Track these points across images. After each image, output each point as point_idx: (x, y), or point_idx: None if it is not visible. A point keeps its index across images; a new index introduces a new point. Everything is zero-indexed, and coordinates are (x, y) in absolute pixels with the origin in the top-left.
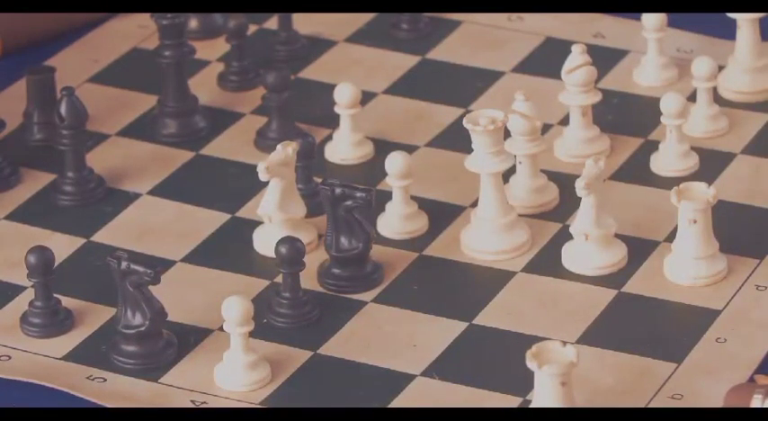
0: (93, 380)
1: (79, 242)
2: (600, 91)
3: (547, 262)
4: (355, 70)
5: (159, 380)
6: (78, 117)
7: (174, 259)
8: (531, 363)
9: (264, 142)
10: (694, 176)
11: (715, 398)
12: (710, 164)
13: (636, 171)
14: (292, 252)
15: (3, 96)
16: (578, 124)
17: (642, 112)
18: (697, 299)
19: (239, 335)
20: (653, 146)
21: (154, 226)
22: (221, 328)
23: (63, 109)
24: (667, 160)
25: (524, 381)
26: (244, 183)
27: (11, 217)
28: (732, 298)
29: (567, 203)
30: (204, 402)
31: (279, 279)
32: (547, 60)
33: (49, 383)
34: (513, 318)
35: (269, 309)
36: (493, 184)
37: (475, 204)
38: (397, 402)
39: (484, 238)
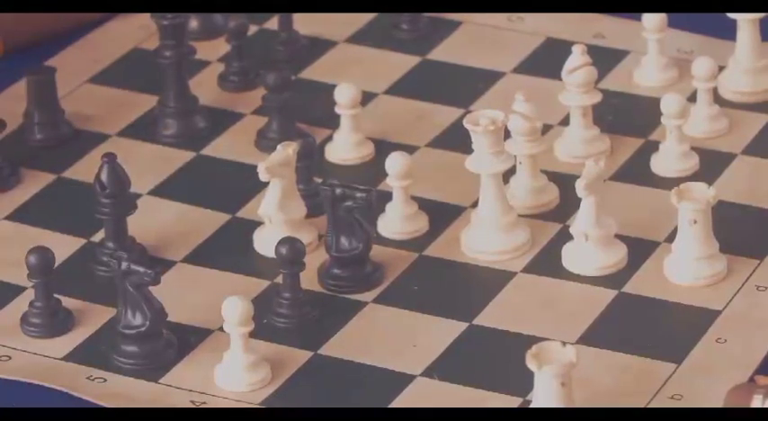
0: (93, 380)
1: (79, 242)
2: (600, 91)
3: (547, 262)
4: (356, 70)
5: (159, 381)
6: (121, 184)
7: (175, 259)
8: (530, 364)
9: (265, 142)
10: (694, 177)
11: (715, 399)
12: (711, 164)
13: (636, 171)
14: (292, 252)
15: (3, 96)
16: (578, 124)
17: (642, 113)
18: (697, 299)
19: (239, 336)
20: (653, 146)
21: (154, 226)
22: (221, 329)
23: (104, 176)
24: (668, 161)
25: (524, 382)
26: (244, 184)
27: (11, 217)
28: (732, 298)
29: (568, 204)
30: (204, 402)
31: (279, 279)
32: (547, 61)
33: (49, 383)
34: (513, 319)
35: (269, 310)
36: (493, 185)
37: (475, 204)
38: (398, 402)
39: (484, 239)
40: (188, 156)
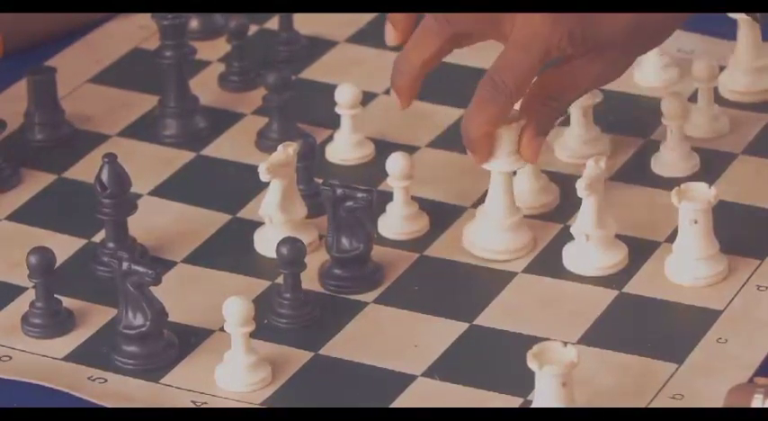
0: (93, 380)
1: (80, 243)
2: (600, 91)
3: (548, 262)
4: (356, 70)
5: (160, 381)
6: (121, 185)
7: (175, 260)
8: (531, 364)
9: (265, 143)
10: (695, 177)
11: (715, 399)
12: (711, 164)
13: (637, 172)
14: (293, 252)
15: (3, 96)
16: (579, 125)
17: (643, 113)
18: (698, 299)
19: (240, 336)
20: (654, 146)
21: (155, 226)
22: (222, 329)
23: (105, 176)
24: (668, 161)
25: (525, 382)
26: (244, 184)
27: (11, 217)
28: (733, 298)
29: (568, 204)
30: (205, 403)
31: (280, 279)
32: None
33: (50, 383)
34: (513, 319)
35: (270, 310)
36: (504, 183)
37: (476, 205)
38: (398, 402)
39: (487, 236)
40: (188, 156)
